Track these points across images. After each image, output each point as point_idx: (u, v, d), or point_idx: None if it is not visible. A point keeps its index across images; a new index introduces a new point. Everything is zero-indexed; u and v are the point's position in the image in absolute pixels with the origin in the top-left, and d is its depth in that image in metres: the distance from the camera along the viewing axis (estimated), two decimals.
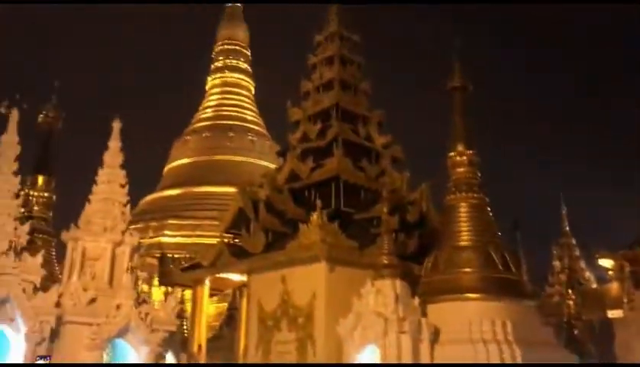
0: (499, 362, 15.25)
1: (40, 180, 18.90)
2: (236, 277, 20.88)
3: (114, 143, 15.15)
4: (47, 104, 19.42)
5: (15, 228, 13.40)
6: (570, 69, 73.48)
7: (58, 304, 12.61)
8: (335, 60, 23.62)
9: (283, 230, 19.20)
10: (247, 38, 59.38)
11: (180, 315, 15.38)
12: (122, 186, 14.86)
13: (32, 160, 18.97)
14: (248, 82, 57.64)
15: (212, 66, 58.01)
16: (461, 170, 18.63)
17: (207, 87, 57.72)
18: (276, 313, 18.48)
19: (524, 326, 16.08)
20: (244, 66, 57.85)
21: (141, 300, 14.19)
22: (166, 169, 54.39)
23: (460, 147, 18.85)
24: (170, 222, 44.64)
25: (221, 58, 57.33)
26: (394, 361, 15.25)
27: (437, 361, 15.84)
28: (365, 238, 18.92)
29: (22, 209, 18.01)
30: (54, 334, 12.72)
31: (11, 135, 14.19)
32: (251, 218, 19.62)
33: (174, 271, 21.31)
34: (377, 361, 15.54)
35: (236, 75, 57.13)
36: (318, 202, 17.76)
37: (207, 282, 21.79)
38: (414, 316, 16.08)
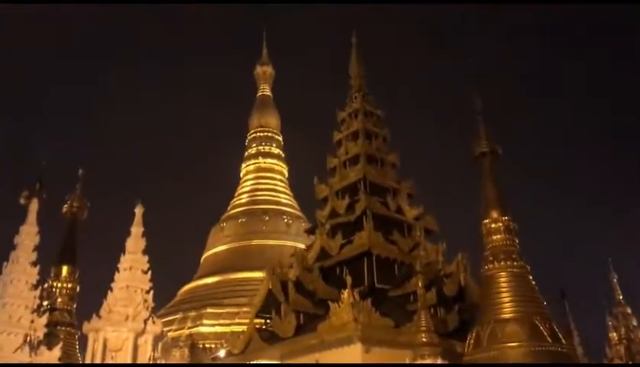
0: None
1: (65, 270, 18.63)
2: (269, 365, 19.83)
3: (137, 229, 14.84)
4: (72, 193, 19.48)
5: (32, 321, 12.97)
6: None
7: None
8: (360, 134, 23.44)
9: (315, 311, 18.34)
10: (278, 124, 60.67)
11: None
12: (144, 272, 14.41)
13: (56, 251, 18.88)
14: (281, 166, 58.31)
15: (246, 154, 59.13)
16: (497, 237, 17.69)
17: (241, 174, 58.64)
18: None
19: None
20: (277, 151, 58.80)
21: None
22: (203, 257, 54.40)
23: (494, 214, 18.01)
24: (208, 310, 43.99)
25: (254, 145, 58.45)
26: None
27: None
28: (401, 315, 17.89)
29: (45, 302, 17.77)
30: None
31: (30, 226, 14.04)
32: (281, 300, 18.84)
33: (203, 358, 20.44)
34: None
35: (269, 160, 58.00)
36: (349, 279, 16.95)
37: None
38: None
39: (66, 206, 19.45)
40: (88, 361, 13.22)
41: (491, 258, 17.52)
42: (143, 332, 13.67)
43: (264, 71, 61.02)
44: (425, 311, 16.08)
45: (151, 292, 14.33)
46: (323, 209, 22.72)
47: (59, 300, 18.22)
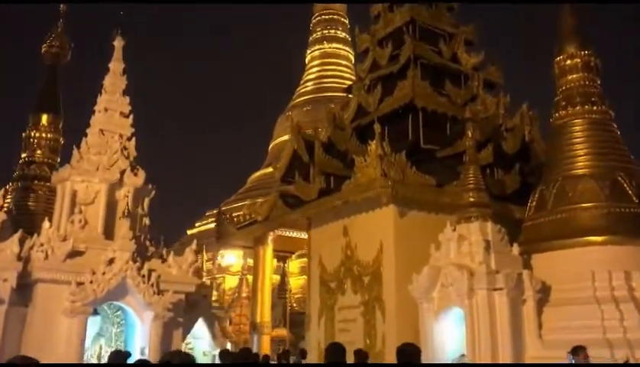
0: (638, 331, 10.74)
1: (44, 118, 16.46)
2: (298, 235, 17.59)
3: (115, 64, 12.26)
4: (52, 32, 16.90)
5: None
6: None
7: (23, 258, 9.96)
8: None
9: (346, 173, 15.45)
10: (343, 6, 56.81)
11: (199, 273, 12.22)
12: (124, 115, 11.97)
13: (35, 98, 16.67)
14: (347, 51, 55.01)
15: (310, 38, 56.20)
16: (573, 76, 13.90)
17: (306, 60, 56.06)
18: (339, 272, 14.92)
19: None
20: (342, 35, 55.47)
21: (150, 255, 11.25)
22: (270, 146, 53.26)
23: (570, 48, 14.12)
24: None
25: (318, 29, 55.47)
26: (485, 327, 11.19)
27: (547, 326, 11.58)
28: (448, 176, 14.79)
29: (23, 154, 15.93)
30: (21, 296, 10.13)
31: None
32: (306, 161, 16.11)
33: (230, 229, 18.41)
34: (462, 328, 11.56)
35: (334, 45, 54.86)
36: (377, 127, 13.87)
37: (269, 241, 18.70)
38: (512, 268, 11.85)
39: (45, 46, 17.01)
40: (55, 217, 11.19)
41: (564, 103, 13.86)
42: (120, 184, 11.42)
43: None
44: (473, 166, 12.89)
45: (133, 139, 11.92)
46: (363, 62, 19.33)
47: (37, 152, 16.24)
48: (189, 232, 45.05)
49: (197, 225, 45.69)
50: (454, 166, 15.40)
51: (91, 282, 9.96)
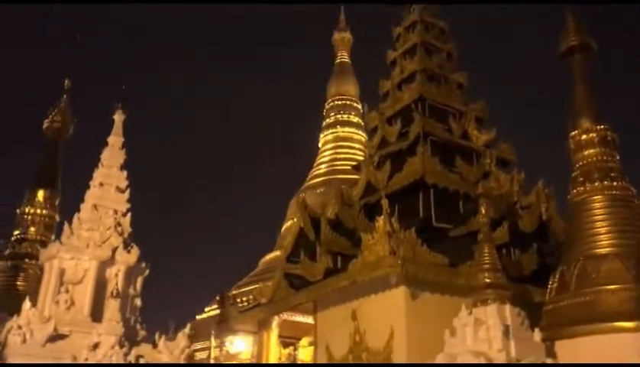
0: None
1: (40, 195, 15.96)
2: (304, 319, 16.62)
3: (114, 138, 11.95)
4: (55, 107, 16.70)
5: None
6: None
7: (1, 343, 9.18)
8: (418, 49, 19.38)
9: (354, 252, 14.70)
10: (357, 92, 58.26)
11: (192, 359, 11.30)
12: (120, 190, 11.50)
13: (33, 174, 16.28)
14: (360, 135, 55.88)
15: (324, 123, 57.47)
16: (590, 152, 13.34)
17: (320, 144, 57.02)
18: (347, 360, 13.85)
19: None
20: (356, 119, 56.65)
21: (139, 339, 10.42)
22: (283, 228, 52.89)
23: (585, 123, 13.65)
24: None
25: (332, 114, 56.68)
26: None
27: None
28: (462, 256, 13.97)
29: (16, 231, 15.34)
30: None
31: None
32: (312, 239, 15.41)
33: (233, 313, 17.50)
34: None
35: (347, 129, 55.83)
36: (384, 201, 13.23)
37: (273, 326, 17.72)
38: (534, 356, 10.84)
39: (47, 121, 16.77)
40: (41, 297, 10.48)
41: (581, 179, 13.22)
42: (112, 261, 10.76)
43: (342, 37, 58.68)
44: (488, 244, 12.09)
45: (128, 215, 11.35)
46: (372, 139, 18.99)
47: (31, 229, 15.65)
48: (197, 318, 43.88)
49: (206, 310, 44.54)
50: (468, 246, 14.57)
51: None
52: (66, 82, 17.28)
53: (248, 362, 33.25)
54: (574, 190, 13.26)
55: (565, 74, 14.99)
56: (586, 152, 13.40)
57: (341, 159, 55.06)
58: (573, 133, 13.75)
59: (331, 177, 51.52)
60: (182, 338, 10.65)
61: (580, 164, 13.38)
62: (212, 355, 32.29)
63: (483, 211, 12.57)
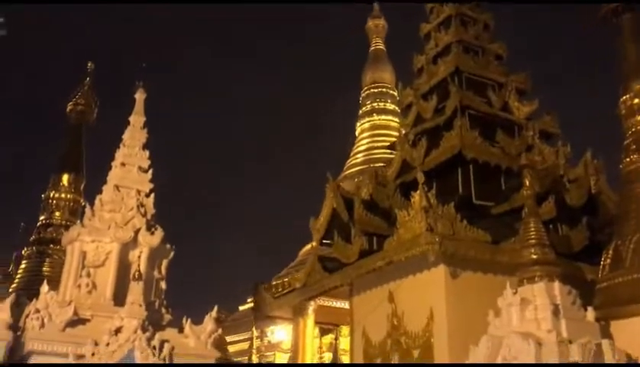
0: None
1: (65, 179, 15.69)
2: (342, 305, 16.02)
3: (136, 118, 11.54)
4: (78, 90, 16.38)
5: None
6: None
7: (16, 327, 8.84)
8: (453, 20, 18.45)
9: (389, 233, 13.99)
10: (392, 79, 57.32)
11: (221, 344, 10.80)
12: (143, 170, 11.07)
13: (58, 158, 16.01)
14: (397, 122, 54.83)
15: (360, 111, 56.68)
16: None
17: (356, 132, 56.38)
18: (385, 344, 13.19)
19: None
20: (392, 107, 55.63)
21: (165, 324, 9.97)
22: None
23: (638, 86, 12.61)
24: None
25: (368, 102, 55.88)
26: None
27: None
28: (505, 233, 13.12)
29: (42, 216, 15.12)
30: None
31: None
32: (346, 220, 14.76)
33: (267, 299, 17.02)
34: None
35: (383, 117, 55.09)
36: (420, 176, 12.47)
37: (309, 312, 17.17)
38: (588, 336, 9.96)
39: (70, 104, 16.50)
40: (63, 281, 10.14)
41: (634, 147, 12.20)
42: (135, 244, 10.34)
43: (376, 24, 57.82)
44: (534, 219, 11.21)
45: (152, 196, 10.91)
46: (407, 117, 18.19)
47: (56, 213, 15.40)
48: (240, 308, 43.84)
49: (248, 300, 44.42)
50: (511, 223, 13.68)
51: (93, 354, 8.72)
52: (89, 64, 17.09)
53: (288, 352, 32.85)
54: (626, 159, 12.26)
55: (609, 38, 13.99)
56: (639, 117, 12.38)
57: (378, 147, 54.18)
58: (624, 97, 12.72)
59: (369, 165, 50.88)
60: (208, 321, 10.19)
61: (633, 130, 12.35)
62: (254, 345, 32.01)
63: (527, 183, 11.69)
